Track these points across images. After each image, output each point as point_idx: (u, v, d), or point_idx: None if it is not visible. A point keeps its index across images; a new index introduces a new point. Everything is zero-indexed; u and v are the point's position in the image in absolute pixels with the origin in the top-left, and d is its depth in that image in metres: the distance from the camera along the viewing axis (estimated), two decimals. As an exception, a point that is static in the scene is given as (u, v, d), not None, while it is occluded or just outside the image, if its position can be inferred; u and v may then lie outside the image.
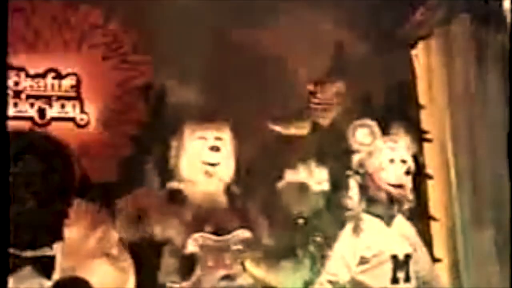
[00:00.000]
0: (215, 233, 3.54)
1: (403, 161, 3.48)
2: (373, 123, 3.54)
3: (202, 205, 3.59)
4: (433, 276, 3.62)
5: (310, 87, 4.43)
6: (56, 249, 2.76)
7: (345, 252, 3.42)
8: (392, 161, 3.47)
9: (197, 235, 3.51)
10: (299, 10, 4.45)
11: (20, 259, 2.68)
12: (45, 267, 2.72)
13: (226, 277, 3.51)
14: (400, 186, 3.44)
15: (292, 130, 4.32)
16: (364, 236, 3.43)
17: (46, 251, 2.73)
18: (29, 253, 2.70)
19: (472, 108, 4.07)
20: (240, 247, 3.56)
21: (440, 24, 4.20)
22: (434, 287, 3.60)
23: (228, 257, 3.54)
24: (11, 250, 2.64)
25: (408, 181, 3.46)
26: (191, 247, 3.50)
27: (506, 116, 3.88)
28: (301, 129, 4.32)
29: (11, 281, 2.63)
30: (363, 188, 3.51)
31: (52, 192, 2.73)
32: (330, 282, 3.40)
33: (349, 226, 3.48)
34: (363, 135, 3.52)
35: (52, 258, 2.74)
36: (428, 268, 3.61)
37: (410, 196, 3.46)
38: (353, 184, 3.56)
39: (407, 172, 3.45)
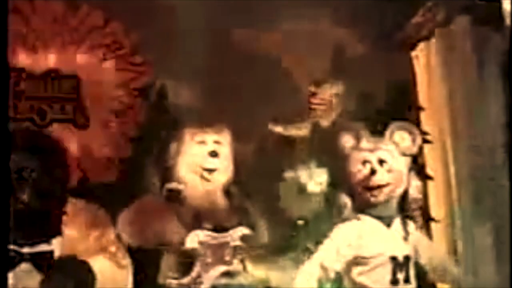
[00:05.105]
0: (214, 230, 3.57)
1: (381, 161, 3.48)
2: (358, 126, 3.55)
3: (200, 204, 3.61)
4: (447, 261, 3.65)
5: (310, 88, 4.43)
6: (55, 245, 2.77)
7: (340, 242, 3.41)
8: (366, 162, 3.48)
9: (196, 232, 3.53)
10: (299, 11, 4.46)
11: (18, 255, 2.69)
12: (43, 263, 2.72)
13: (226, 274, 3.54)
14: (365, 187, 3.45)
15: (292, 131, 4.32)
16: (363, 237, 3.43)
17: (45, 247, 2.74)
18: (27, 250, 2.71)
19: (472, 109, 4.06)
20: (239, 243, 3.59)
21: (440, 25, 4.19)
22: (451, 271, 3.62)
23: (228, 253, 3.57)
24: (10, 247, 2.65)
25: (378, 180, 3.44)
26: (190, 243, 3.53)
27: (506, 116, 3.88)
28: (301, 130, 4.32)
29: (10, 278, 2.63)
30: (347, 190, 3.54)
31: (49, 189, 2.74)
32: (322, 267, 3.39)
33: (348, 222, 3.49)
34: (346, 139, 3.54)
35: (50, 254, 2.75)
36: (439, 255, 3.64)
37: (381, 196, 3.45)
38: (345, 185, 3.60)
39: (372, 172, 3.45)
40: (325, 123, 4.30)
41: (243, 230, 3.62)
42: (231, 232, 3.60)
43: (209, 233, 3.56)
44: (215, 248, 3.55)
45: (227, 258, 3.57)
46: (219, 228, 3.59)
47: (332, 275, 3.41)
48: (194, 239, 3.55)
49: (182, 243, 3.53)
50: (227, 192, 3.73)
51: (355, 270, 3.41)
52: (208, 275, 3.54)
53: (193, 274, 3.53)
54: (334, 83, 4.43)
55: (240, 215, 3.69)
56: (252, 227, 3.66)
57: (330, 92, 4.41)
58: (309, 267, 3.41)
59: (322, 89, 4.43)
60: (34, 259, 2.71)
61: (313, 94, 4.43)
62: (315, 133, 4.27)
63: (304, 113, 4.40)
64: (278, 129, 4.24)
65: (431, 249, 3.67)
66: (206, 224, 3.58)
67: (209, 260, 3.54)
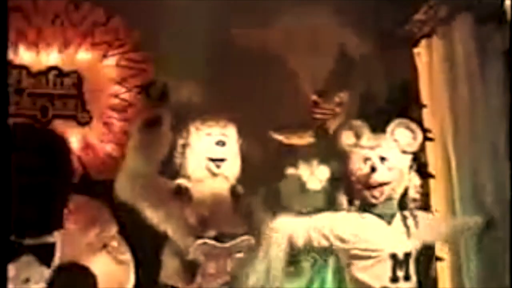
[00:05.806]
0: (218, 238, 3.49)
1: (382, 159, 3.47)
2: (359, 124, 3.54)
3: (206, 205, 3.54)
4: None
5: (314, 97, 4.43)
6: (57, 237, 2.77)
7: (333, 220, 3.42)
8: (366, 159, 3.48)
9: (200, 242, 3.46)
10: (300, 11, 4.46)
11: (20, 246, 2.69)
12: (45, 255, 2.73)
13: (227, 284, 3.47)
14: (366, 184, 3.44)
15: (294, 140, 4.30)
16: (363, 233, 3.43)
17: (47, 239, 2.74)
18: (29, 241, 2.71)
19: (474, 106, 4.06)
20: (243, 255, 3.51)
21: (442, 22, 4.19)
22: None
23: (230, 264, 3.50)
24: (12, 238, 2.65)
25: (379, 177, 3.44)
26: (193, 254, 3.46)
27: (507, 115, 3.88)
28: (303, 138, 4.30)
29: (11, 269, 2.64)
30: (347, 188, 3.54)
31: (51, 184, 2.74)
32: (289, 238, 3.33)
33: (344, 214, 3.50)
34: (347, 137, 3.54)
35: (52, 246, 2.75)
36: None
37: (382, 196, 3.45)
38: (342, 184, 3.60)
39: (373, 169, 3.44)
40: (328, 130, 4.29)
41: (249, 240, 3.54)
42: (235, 241, 3.53)
43: (213, 243, 3.49)
44: (218, 259, 3.49)
45: (229, 269, 3.49)
46: (224, 237, 3.51)
47: (298, 247, 3.37)
48: (197, 250, 3.48)
49: (186, 251, 3.47)
50: (233, 193, 3.67)
51: (355, 266, 3.41)
52: (209, 286, 3.47)
53: (195, 285, 3.46)
54: (338, 92, 4.41)
55: (245, 220, 3.62)
56: (257, 234, 3.58)
57: (333, 101, 4.40)
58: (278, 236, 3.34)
59: (325, 98, 4.41)
60: (36, 250, 2.72)
61: (316, 104, 4.41)
62: (318, 138, 4.26)
63: (307, 120, 4.40)
64: (280, 137, 4.23)
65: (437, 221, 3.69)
66: (211, 231, 3.49)
67: (211, 271, 3.48)
